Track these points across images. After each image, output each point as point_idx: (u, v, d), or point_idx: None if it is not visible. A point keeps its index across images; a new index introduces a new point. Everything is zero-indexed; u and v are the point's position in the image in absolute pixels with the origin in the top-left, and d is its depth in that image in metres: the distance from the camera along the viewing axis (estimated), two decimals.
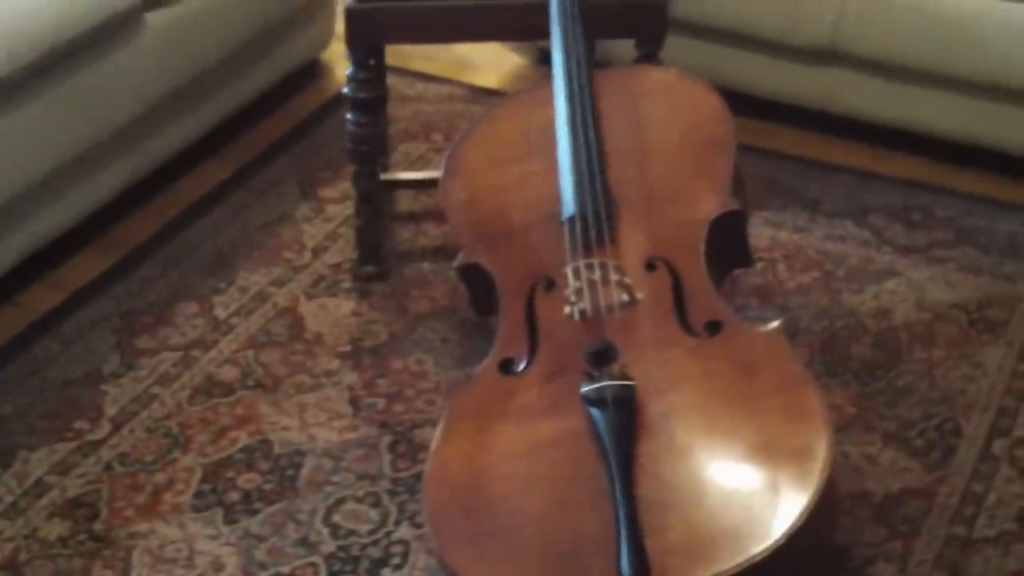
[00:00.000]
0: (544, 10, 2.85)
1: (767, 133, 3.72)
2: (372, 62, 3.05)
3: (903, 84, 3.59)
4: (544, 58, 4.04)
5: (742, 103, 3.69)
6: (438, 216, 3.39)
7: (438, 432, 2.37)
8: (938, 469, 2.75)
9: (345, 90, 3.05)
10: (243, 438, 2.81)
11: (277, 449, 2.78)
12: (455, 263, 2.68)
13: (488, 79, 4.02)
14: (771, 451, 2.22)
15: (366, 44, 3.00)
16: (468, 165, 2.79)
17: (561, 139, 2.67)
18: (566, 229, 2.55)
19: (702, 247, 2.53)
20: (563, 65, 2.76)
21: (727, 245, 2.62)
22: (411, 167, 3.59)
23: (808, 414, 2.26)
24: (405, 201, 3.47)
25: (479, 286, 2.65)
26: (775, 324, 2.41)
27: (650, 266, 2.51)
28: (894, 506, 2.67)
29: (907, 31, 3.50)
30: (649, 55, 3.01)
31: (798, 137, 3.73)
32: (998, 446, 2.80)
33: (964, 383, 2.94)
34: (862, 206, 3.47)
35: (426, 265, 3.26)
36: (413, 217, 3.43)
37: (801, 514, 2.12)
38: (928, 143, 3.66)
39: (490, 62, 4.08)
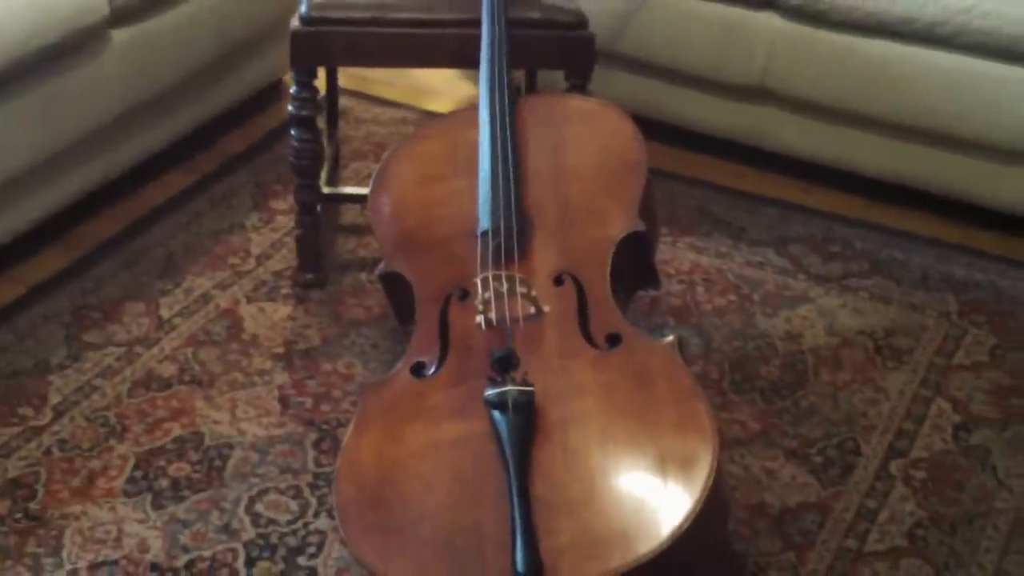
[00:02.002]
0: (479, 38, 2.93)
1: (703, 165, 3.81)
2: (315, 81, 3.12)
3: (830, 123, 3.66)
4: None
5: (680, 136, 3.82)
6: None
7: (350, 429, 2.42)
8: (835, 485, 2.80)
9: (289, 108, 3.13)
10: (176, 430, 2.88)
11: (207, 441, 2.85)
12: (376, 271, 2.74)
13: (442, 105, 4.09)
14: (661, 458, 2.26)
15: (309, 65, 3.07)
16: (396, 180, 2.86)
17: (482, 159, 2.75)
18: (479, 242, 2.62)
19: (608, 264, 2.59)
20: (488, 91, 2.84)
21: (635, 266, 2.69)
22: (361, 184, 3.65)
23: (697, 426, 2.30)
24: (350, 215, 3.55)
25: (399, 294, 2.72)
26: (670, 339, 2.46)
27: (558, 280, 2.57)
28: (791, 519, 2.73)
29: (834, 73, 3.58)
30: (578, 86, 3.09)
31: (733, 170, 3.81)
32: (895, 466, 2.86)
33: (867, 406, 3.00)
34: (784, 236, 3.55)
35: (364, 275, 3.34)
36: (356, 230, 3.50)
37: (687, 518, 2.16)
38: (853, 179, 3.73)
39: (447, 89, 4.16)
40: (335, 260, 3.38)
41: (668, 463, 2.26)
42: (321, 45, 3.03)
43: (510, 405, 2.31)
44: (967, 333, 3.24)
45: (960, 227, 3.63)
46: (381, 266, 2.73)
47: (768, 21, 3.63)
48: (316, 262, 3.28)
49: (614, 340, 2.47)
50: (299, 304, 3.24)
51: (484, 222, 2.65)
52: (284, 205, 3.58)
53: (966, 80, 3.45)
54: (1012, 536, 2.71)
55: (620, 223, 2.66)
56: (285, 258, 3.38)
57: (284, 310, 3.22)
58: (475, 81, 4.10)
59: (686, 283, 3.34)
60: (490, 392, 2.34)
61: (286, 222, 3.50)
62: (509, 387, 2.34)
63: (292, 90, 3.10)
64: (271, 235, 3.47)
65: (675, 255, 3.42)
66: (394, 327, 3.13)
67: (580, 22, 3.04)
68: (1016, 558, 2.66)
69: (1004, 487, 2.82)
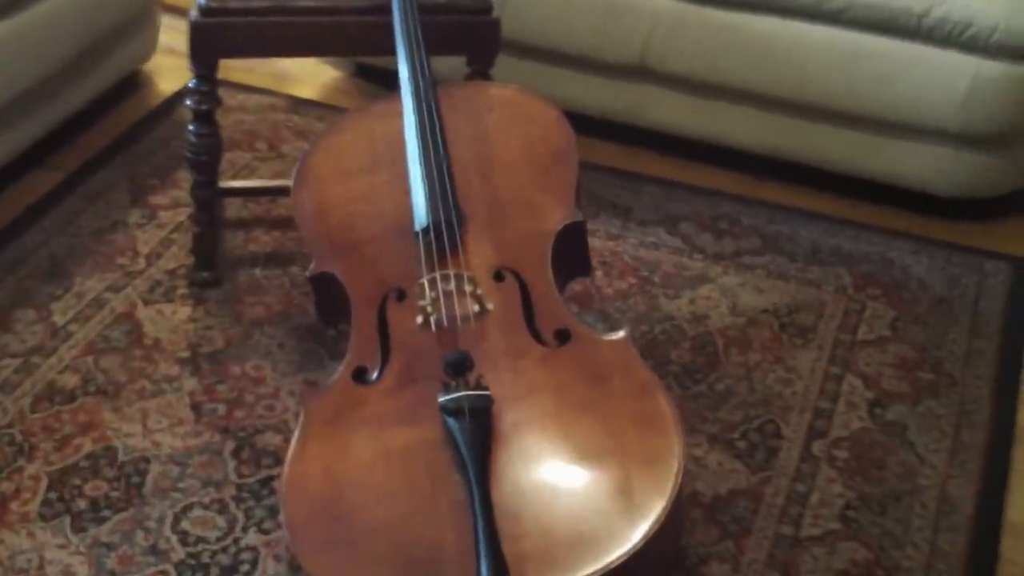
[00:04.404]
0: (389, 26, 2.71)
1: (582, 145, 3.56)
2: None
3: (709, 99, 3.55)
4: (360, 71, 3.92)
5: None
6: (267, 223, 3.25)
7: (295, 440, 2.22)
8: (762, 470, 2.69)
9: (188, 102, 2.88)
10: (87, 445, 2.63)
11: (122, 456, 2.61)
12: (307, 272, 2.52)
13: (306, 91, 3.87)
14: (624, 457, 2.13)
15: (210, 58, 2.82)
16: (316, 175, 2.64)
17: (411, 152, 2.54)
18: (420, 241, 2.42)
19: (548, 257, 2.43)
20: (410, 80, 2.63)
21: (569, 255, 2.53)
22: (237, 175, 3.42)
23: (659, 420, 2.18)
24: (234, 207, 3.30)
25: (329, 295, 2.51)
26: (622, 334, 2.32)
27: (498, 276, 2.40)
28: (723, 506, 2.61)
29: (714, 49, 3.46)
30: (480, 72, 2.90)
31: (612, 149, 3.65)
32: (816, 447, 2.75)
33: (781, 386, 2.89)
34: (671, 215, 3.41)
35: (258, 271, 3.10)
36: (242, 224, 3.26)
37: (657, 519, 2.03)
38: (731, 155, 3.62)
39: (308, 75, 3.93)
40: (226, 256, 3.13)
41: (632, 462, 2.13)
42: (222, 37, 2.79)
43: (467, 411, 2.15)
44: (866, 307, 3.15)
45: (841, 200, 3.54)
46: (312, 267, 2.51)
47: (649, 0, 3.49)
48: (211, 260, 3.03)
49: (563, 337, 2.32)
50: (198, 304, 2.99)
51: (422, 219, 2.45)
52: (165, 200, 3.31)
53: (849, 54, 3.36)
54: (940, 513, 2.63)
55: (556, 214, 2.50)
56: (176, 256, 3.12)
57: (183, 311, 2.97)
58: (337, 66, 3.95)
59: None
60: (445, 398, 2.17)
61: (171, 217, 3.25)
62: (464, 391, 2.18)
63: (191, 83, 2.85)
64: (157, 232, 3.20)
65: None
66: (298, 324, 2.94)
67: (484, 6, 2.84)
68: (948, 536, 2.59)
69: (925, 463, 2.73)
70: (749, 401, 2.85)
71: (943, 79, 3.31)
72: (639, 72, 3.57)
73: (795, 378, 2.92)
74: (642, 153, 3.68)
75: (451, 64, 2.97)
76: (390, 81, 3.84)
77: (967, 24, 3.25)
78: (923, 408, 2.88)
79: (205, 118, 2.89)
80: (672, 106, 3.60)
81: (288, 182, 2.81)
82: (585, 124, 3.65)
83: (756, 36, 3.42)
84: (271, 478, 2.58)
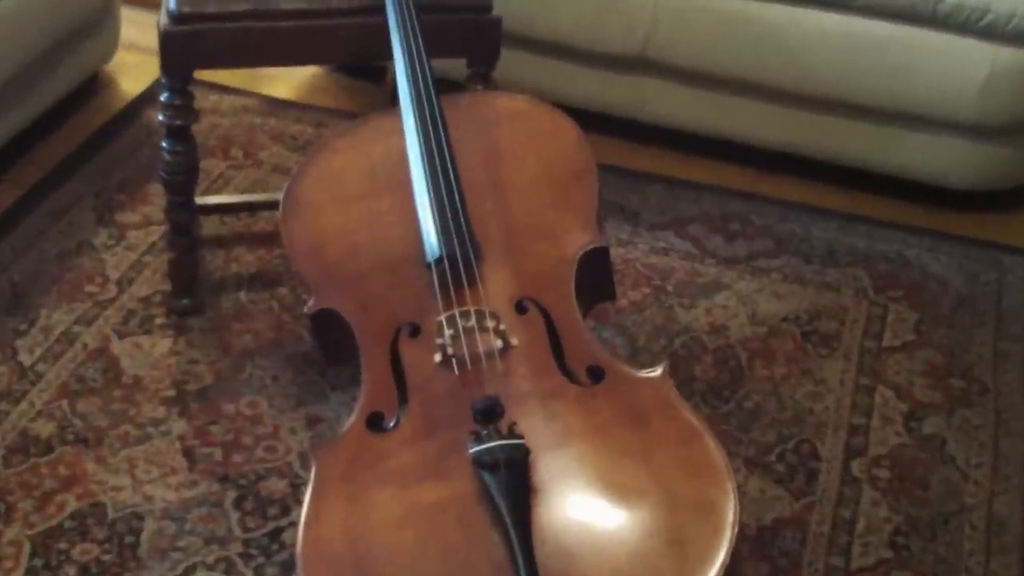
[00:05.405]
0: (384, 28, 2.47)
1: None
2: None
3: (713, 92, 3.35)
4: (340, 66, 3.65)
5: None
6: (248, 239, 3.00)
7: (307, 501, 1.97)
8: (804, 496, 2.50)
9: (160, 117, 2.60)
10: (71, 502, 2.36)
11: (111, 513, 2.35)
12: (306, 309, 2.25)
13: (283, 89, 3.60)
14: (674, 508, 1.91)
15: (184, 69, 2.55)
16: (310, 202, 2.37)
17: (417, 175, 2.29)
18: (434, 273, 2.18)
19: (572, 285, 2.20)
20: (410, 91, 2.37)
21: (593, 281, 2.29)
22: (212, 186, 3.15)
23: (708, 467, 1.95)
24: (210, 224, 3.03)
25: (331, 332, 2.25)
26: (660, 371, 2.09)
27: (520, 308, 2.15)
28: (770, 539, 2.42)
29: (719, 40, 3.26)
30: (481, 75, 2.66)
31: (613, 145, 3.41)
32: (856, 466, 2.58)
33: (811, 401, 2.70)
34: (679, 216, 3.20)
35: (243, 295, 2.84)
36: (221, 242, 2.99)
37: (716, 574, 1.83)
38: (738, 150, 3.42)
39: (284, 72, 3.63)
40: (206, 279, 2.87)
41: (682, 513, 1.91)
42: (198, 46, 2.51)
43: (503, 463, 1.91)
44: (888, 310, 2.96)
45: (850, 194, 3.36)
46: (310, 303, 2.25)
47: None
48: (191, 285, 2.77)
49: (597, 374, 2.08)
50: (179, 335, 2.73)
51: (434, 250, 2.20)
52: (135, 217, 3.04)
53: (862, 43, 3.18)
54: (990, 534, 2.47)
55: (579, 238, 2.26)
56: (150, 281, 2.86)
57: (164, 344, 2.70)
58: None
59: None
60: (476, 449, 1.94)
61: (141, 238, 2.98)
62: (498, 441, 1.94)
63: (163, 97, 2.58)
64: (127, 255, 2.93)
65: None
66: (292, 353, 2.70)
67: (484, 4, 2.60)
68: (1002, 559, 2.43)
69: (969, 480, 2.57)
70: (780, 419, 2.66)
71: (960, 68, 3.16)
72: (640, 64, 3.37)
73: (824, 392, 2.73)
74: (643, 149, 3.46)
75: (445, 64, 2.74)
76: (374, 76, 3.62)
77: (984, 10, 3.10)
78: (958, 419, 2.71)
79: (180, 134, 2.62)
80: (675, 99, 3.40)
81: (272, 195, 2.58)
82: (582, 119, 3.40)
83: (763, 25, 3.23)
84: (280, 530, 2.34)
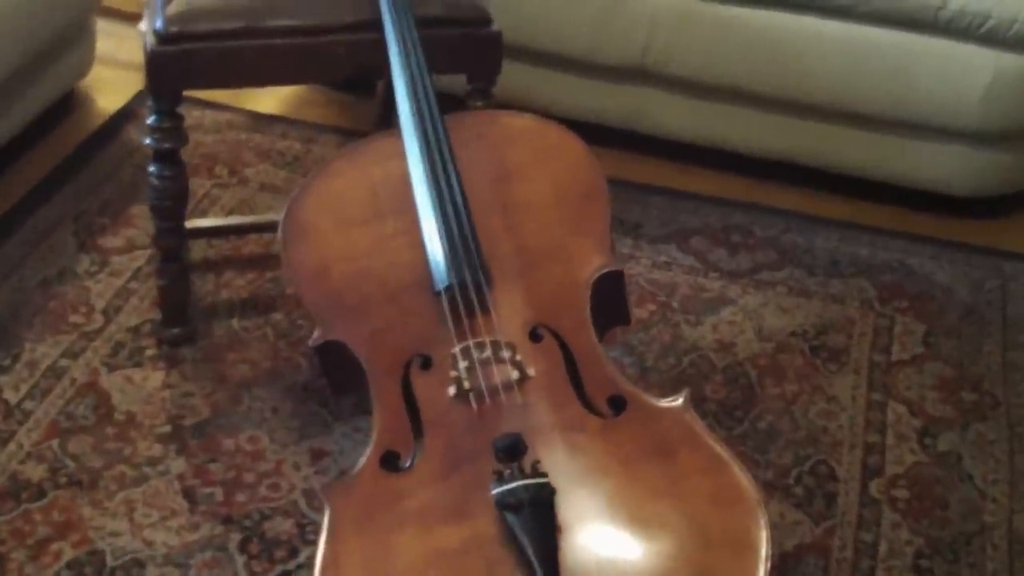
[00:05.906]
0: (382, 44, 2.37)
1: None
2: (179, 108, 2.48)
3: (713, 101, 3.29)
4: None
5: None
6: (238, 263, 2.89)
7: (322, 545, 1.87)
8: (825, 519, 2.43)
9: (147, 141, 2.49)
10: (68, 551, 2.25)
11: (110, 561, 2.24)
12: (311, 342, 2.14)
13: (268, 103, 3.48)
14: (706, 545, 1.82)
15: (172, 91, 2.43)
16: (314, 227, 2.25)
17: (422, 197, 2.19)
18: (444, 301, 2.08)
19: (588, 311, 2.11)
20: (412, 110, 2.27)
21: (607, 305, 2.20)
22: (198, 206, 3.04)
23: (739, 499, 1.87)
24: (198, 248, 2.91)
25: (338, 364, 2.15)
26: (682, 400, 2.00)
27: (535, 336, 2.06)
28: (794, 567, 2.34)
29: (719, 49, 3.19)
30: (481, 91, 2.56)
31: (613, 157, 3.30)
32: (874, 487, 2.51)
33: (824, 420, 2.63)
34: (681, 229, 3.13)
35: (236, 322, 2.74)
36: (209, 266, 2.88)
37: None
38: (738, 159, 3.35)
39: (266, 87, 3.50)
40: (196, 306, 2.75)
41: (715, 548, 1.82)
42: (186, 66, 2.39)
43: (527, 503, 1.83)
44: (895, 322, 2.89)
45: (850, 202, 3.30)
46: (316, 335, 2.14)
47: None
48: (182, 314, 2.66)
49: (618, 404, 1.99)
50: (171, 367, 2.62)
51: (443, 278, 2.10)
52: (118, 242, 2.92)
53: (862, 50, 3.13)
54: (1013, 554, 2.41)
55: (592, 261, 2.17)
56: (138, 309, 2.74)
57: (156, 377, 2.59)
58: None
59: None
60: (499, 490, 1.85)
61: (126, 263, 2.86)
62: (521, 481, 1.85)
63: (150, 120, 2.46)
64: (112, 281, 2.81)
65: None
66: (291, 383, 2.60)
67: (483, 18, 2.50)
68: None
69: (987, 498, 2.51)
70: (795, 440, 2.58)
71: (961, 74, 3.11)
72: (639, 74, 3.31)
73: (837, 410, 2.66)
74: (643, 160, 3.39)
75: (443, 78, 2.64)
76: (362, 89, 3.50)
77: (986, 16, 3.05)
78: (972, 434, 2.65)
79: (168, 158, 2.51)
80: (674, 109, 3.34)
81: (263, 217, 2.47)
82: (581, 131, 3.33)
83: (763, 33, 3.17)
84: (288, 573, 2.24)
